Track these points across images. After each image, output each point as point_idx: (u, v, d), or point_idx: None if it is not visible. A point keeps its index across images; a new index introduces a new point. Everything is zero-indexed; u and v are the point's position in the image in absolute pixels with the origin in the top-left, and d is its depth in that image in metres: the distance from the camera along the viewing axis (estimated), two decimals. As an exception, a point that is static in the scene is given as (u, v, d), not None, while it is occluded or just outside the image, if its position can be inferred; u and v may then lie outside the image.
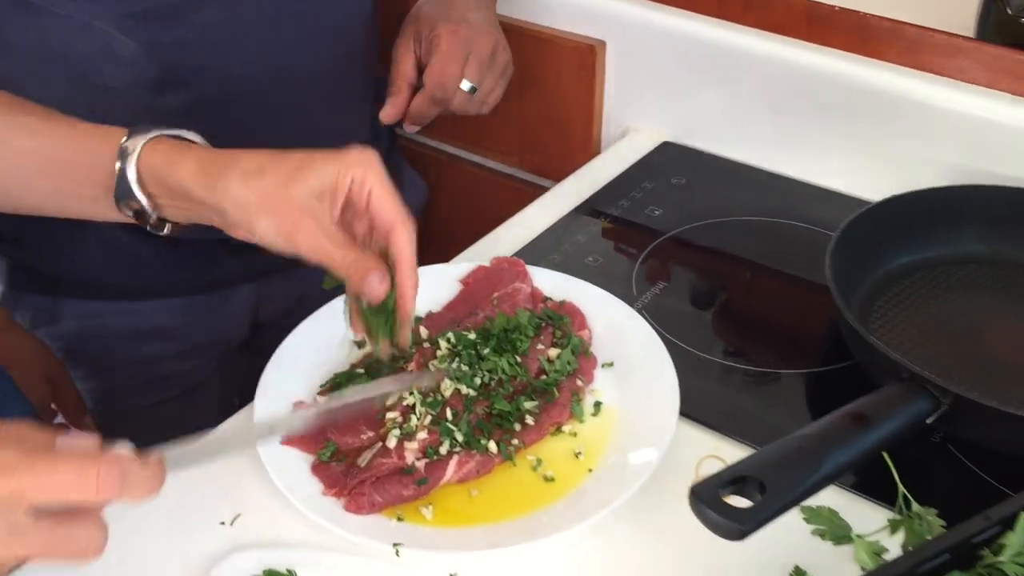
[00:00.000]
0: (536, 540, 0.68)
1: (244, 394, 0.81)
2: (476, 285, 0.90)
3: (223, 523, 0.71)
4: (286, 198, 0.64)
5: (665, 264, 0.97)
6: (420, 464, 0.73)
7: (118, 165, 0.66)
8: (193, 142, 0.69)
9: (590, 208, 1.04)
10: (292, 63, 0.87)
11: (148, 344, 0.99)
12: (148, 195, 0.67)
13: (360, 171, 0.65)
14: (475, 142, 1.27)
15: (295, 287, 1.01)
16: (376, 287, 0.66)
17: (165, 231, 0.70)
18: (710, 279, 0.98)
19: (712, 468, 0.67)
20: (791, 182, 1.07)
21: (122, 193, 0.67)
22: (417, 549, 0.68)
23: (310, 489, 0.72)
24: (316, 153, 0.67)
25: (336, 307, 0.83)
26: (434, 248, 0.89)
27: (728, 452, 0.76)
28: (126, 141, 0.66)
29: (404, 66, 0.96)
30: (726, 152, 1.11)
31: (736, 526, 0.58)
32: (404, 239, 0.67)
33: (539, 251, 0.98)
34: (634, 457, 0.73)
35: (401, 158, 1.15)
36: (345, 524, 0.69)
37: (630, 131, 1.16)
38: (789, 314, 0.93)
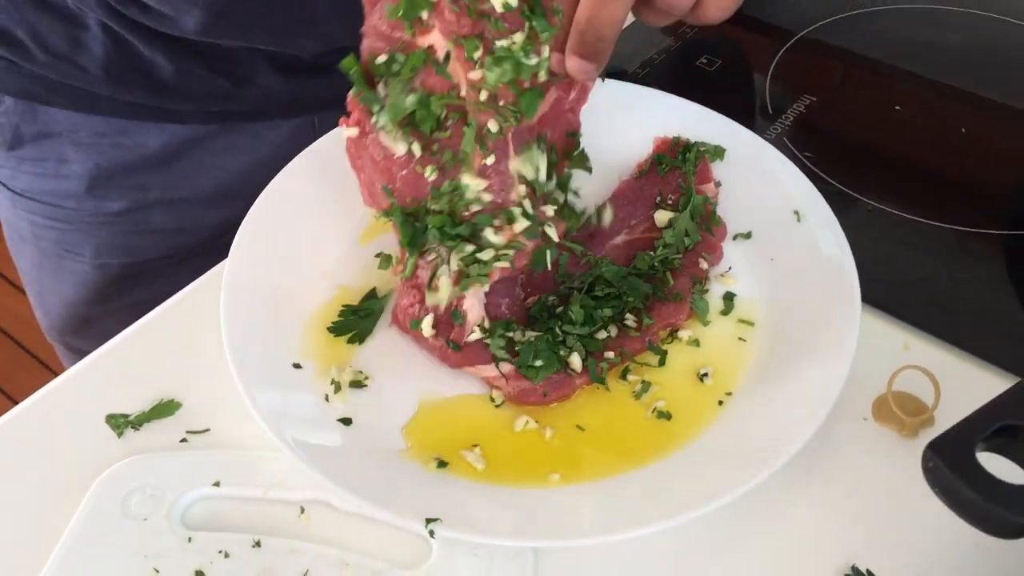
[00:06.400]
0: (648, 526, 0.42)
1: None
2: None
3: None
4: None
5: (812, 70, 0.69)
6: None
7: None
8: None
9: None
10: None
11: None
12: None
13: None
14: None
15: None
16: None
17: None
18: (880, 90, 0.68)
19: (912, 386, 0.47)
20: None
21: None
22: (452, 530, 0.42)
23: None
24: None
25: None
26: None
27: (932, 357, 0.50)
28: None
29: None
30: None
31: (1015, 517, 0.33)
32: None
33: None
34: (795, 378, 0.47)
35: None
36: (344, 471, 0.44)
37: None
38: (997, 148, 0.64)
